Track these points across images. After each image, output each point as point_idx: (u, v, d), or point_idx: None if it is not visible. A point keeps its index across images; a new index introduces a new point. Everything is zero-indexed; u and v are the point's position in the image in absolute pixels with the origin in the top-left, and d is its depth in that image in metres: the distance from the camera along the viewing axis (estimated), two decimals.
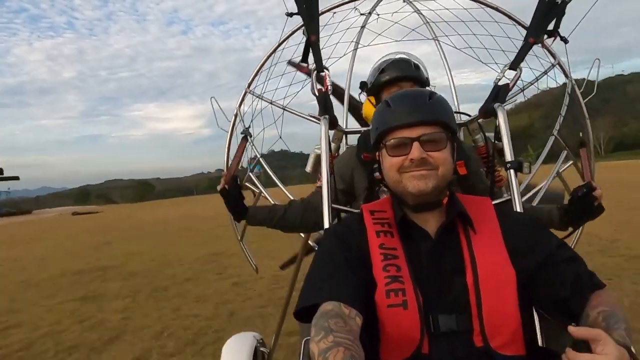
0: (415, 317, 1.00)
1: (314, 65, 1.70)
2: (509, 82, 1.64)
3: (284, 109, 2.08)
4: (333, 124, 1.66)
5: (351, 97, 2.41)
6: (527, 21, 2.36)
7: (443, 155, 1.10)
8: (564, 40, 1.80)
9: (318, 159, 1.99)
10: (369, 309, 1.02)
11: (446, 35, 2.36)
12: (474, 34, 2.41)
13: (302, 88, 2.18)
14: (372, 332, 1.03)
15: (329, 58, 2.26)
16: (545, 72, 2.00)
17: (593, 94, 2.10)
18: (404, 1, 2.54)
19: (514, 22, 2.35)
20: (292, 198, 2.31)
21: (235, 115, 2.78)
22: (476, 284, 1.03)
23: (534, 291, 1.06)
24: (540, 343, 1.18)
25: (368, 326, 1.02)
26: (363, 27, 2.43)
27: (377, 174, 1.22)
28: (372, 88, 1.74)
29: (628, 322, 0.92)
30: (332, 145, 2.01)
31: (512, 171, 1.42)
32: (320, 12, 2.34)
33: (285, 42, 2.45)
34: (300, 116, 2.07)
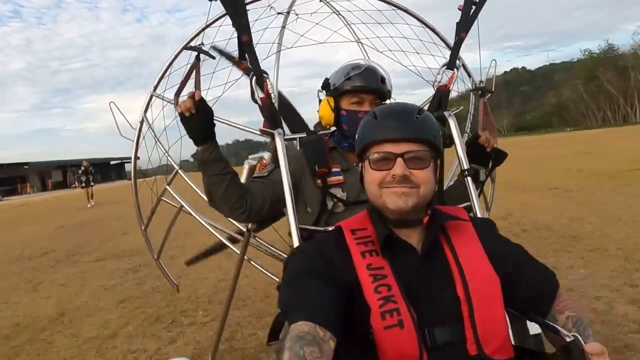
0: (412, 334, 1.00)
1: (251, 69, 1.56)
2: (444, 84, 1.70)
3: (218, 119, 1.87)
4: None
5: (282, 97, 2.28)
6: (434, 23, 2.54)
7: (426, 174, 1.09)
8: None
9: (252, 170, 1.85)
10: (362, 331, 1.02)
11: (367, 38, 2.37)
12: (391, 37, 2.48)
13: (226, 90, 1.97)
14: (370, 354, 1.02)
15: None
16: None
17: (492, 92, 2.20)
18: (320, 1, 2.50)
19: (422, 24, 2.47)
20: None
21: (142, 122, 2.49)
22: (467, 295, 1.05)
23: (507, 292, 1.11)
24: (512, 342, 1.23)
25: (364, 348, 1.02)
26: (283, 27, 2.33)
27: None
28: (333, 90, 1.67)
29: (590, 325, 1.07)
30: (267, 154, 1.89)
31: (469, 178, 1.46)
32: (210, 23, 2.19)
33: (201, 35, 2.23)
34: (240, 129, 1.89)
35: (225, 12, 1.79)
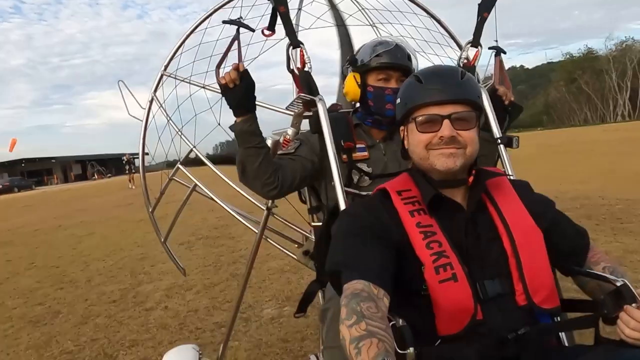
0: (466, 287, 1.03)
1: (287, 39, 1.57)
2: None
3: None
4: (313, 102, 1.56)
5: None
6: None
7: (471, 134, 1.12)
8: None
9: (275, 145, 1.84)
10: (414, 288, 1.05)
11: (381, 23, 2.40)
12: (402, 24, 2.52)
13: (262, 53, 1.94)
14: (424, 308, 1.04)
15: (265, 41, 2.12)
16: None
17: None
18: None
19: (429, 15, 2.52)
20: (232, 184, 2.12)
21: (151, 102, 2.45)
22: (514, 249, 1.09)
23: (546, 246, 1.15)
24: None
25: (418, 304, 1.05)
26: (300, 9, 2.33)
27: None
28: (361, 66, 1.68)
29: (626, 274, 1.10)
30: (291, 130, 1.89)
31: (502, 146, 1.51)
32: None
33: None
34: (278, 110, 1.88)
35: None
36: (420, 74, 1.17)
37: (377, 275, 0.99)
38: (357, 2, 2.47)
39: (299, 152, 1.68)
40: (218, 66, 1.59)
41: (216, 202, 2.19)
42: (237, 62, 1.56)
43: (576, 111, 71.20)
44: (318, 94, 1.54)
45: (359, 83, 1.69)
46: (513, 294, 1.07)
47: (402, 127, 1.22)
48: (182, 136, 2.28)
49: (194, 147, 2.24)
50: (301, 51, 1.57)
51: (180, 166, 2.29)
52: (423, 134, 1.12)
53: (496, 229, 1.13)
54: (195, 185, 2.25)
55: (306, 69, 1.58)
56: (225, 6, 2.25)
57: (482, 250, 1.10)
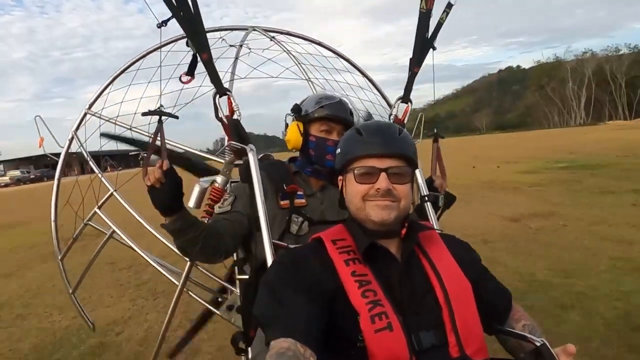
0: (402, 337, 1.02)
1: (213, 88, 1.56)
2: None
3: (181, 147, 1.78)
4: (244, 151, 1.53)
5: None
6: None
7: (406, 189, 1.16)
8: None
9: (202, 193, 1.78)
10: (348, 340, 1.03)
11: (316, 78, 2.49)
12: (336, 81, 2.62)
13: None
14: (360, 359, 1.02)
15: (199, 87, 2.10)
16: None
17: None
18: (271, 40, 2.58)
19: (358, 71, 2.65)
20: (156, 234, 1.99)
21: (71, 140, 2.30)
22: (447, 301, 1.10)
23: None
24: None
25: (352, 356, 1.03)
26: (236, 58, 2.35)
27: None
28: (305, 115, 1.69)
29: (543, 334, 1.15)
30: (221, 178, 1.84)
31: (429, 204, 1.56)
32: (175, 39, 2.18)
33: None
34: (206, 157, 1.82)
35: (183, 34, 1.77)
36: (361, 127, 1.21)
37: (303, 333, 0.97)
38: (294, 57, 2.55)
39: (235, 207, 1.64)
40: (145, 163, 1.41)
41: (135, 251, 2.05)
42: (162, 158, 1.41)
43: (547, 114, 79.39)
44: (249, 142, 1.51)
45: (302, 132, 1.71)
46: (447, 345, 1.07)
47: (340, 177, 1.25)
48: (102, 178, 2.14)
49: (115, 190, 2.11)
50: (229, 99, 1.56)
51: (97, 210, 2.14)
52: (360, 184, 1.15)
53: (429, 280, 1.14)
54: (113, 231, 2.10)
55: (235, 116, 1.57)
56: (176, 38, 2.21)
57: (417, 301, 1.11)
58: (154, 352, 2.18)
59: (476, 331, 1.10)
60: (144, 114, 1.48)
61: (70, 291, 2.28)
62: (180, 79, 1.67)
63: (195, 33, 1.51)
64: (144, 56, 2.24)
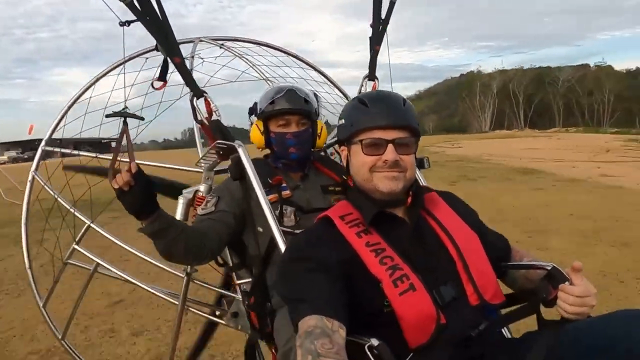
0: (425, 295, 1.05)
1: (189, 92, 1.54)
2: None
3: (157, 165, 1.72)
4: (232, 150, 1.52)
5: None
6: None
7: (411, 159, 1.19)
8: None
9: (188, 204, 1.75)
10: (374, 307, 1.06)
11: (274, 77, 2.50)
12: (292, 77, 2.65)
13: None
14: (389, 325, 1.05)
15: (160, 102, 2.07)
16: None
17: None
18: (220, 47, 2.57)
19: (310, 67, 2.69)
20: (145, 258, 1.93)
21: (32, 181, 2.18)
22: (460, 254, 1.15)
23: None
24: None
25: (382, 321, 1.06)
26: (191, 70, 2.32)
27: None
28: (261, 114, 1.69)
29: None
30: (204, 186, 1.82)
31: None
32: (134, 56, 2.14)
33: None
34: (187, 170, 1.78)
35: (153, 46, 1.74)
36: (365, 97, 1.22)
37: (328, 307, 0.99)
38: (248, 60, 2.55)
39: (219, 207, 1.61)
40: (111, 167, 1.34)
41: (126, 280, 1.97)
42: (129, 160, 1.35)
43: (471, 122, 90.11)
44: (234, 139, 1.50)
45: (262, 130, 1.70)
46: (465, 295, 1.12)
47: (343, 147, 1.26)
48: (75, 213, 2.05)
49: (91, 223, 2.02)
50: (206, 100, 1.54)
51: (75, 246, 2.04)
52: (367, 156, 1.16)
53: (440, 239, 1.18)
54: (97, 265, 2.01)
55: (214, 117, 1.55)
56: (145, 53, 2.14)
57: (431, 260, 1.14)
58: None
59: (490, 277, 1.16)
60: (107, 116, 1.45)
61: (60, 337, 2.15)
62: (152, 85, 1.64)
63: (166, 37, 1.49)
64: (100, 78, 2.18)
